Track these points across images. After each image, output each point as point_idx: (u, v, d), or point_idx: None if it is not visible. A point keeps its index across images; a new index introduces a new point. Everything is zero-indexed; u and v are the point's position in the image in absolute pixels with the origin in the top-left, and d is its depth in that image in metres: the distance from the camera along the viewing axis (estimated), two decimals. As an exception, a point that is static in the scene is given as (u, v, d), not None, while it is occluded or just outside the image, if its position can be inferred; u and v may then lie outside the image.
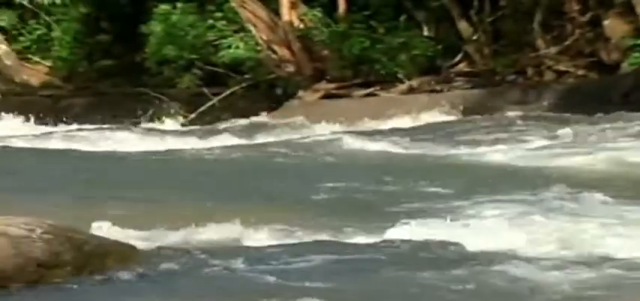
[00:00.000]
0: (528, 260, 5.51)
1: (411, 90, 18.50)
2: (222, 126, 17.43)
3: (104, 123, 17.85)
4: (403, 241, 6.16)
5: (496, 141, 13.38)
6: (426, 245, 5.97)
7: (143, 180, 10.33)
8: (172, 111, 18.91)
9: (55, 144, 14.51)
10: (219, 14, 19.70)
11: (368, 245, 6.13)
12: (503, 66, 18.71)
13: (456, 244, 6.01)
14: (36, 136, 16.08)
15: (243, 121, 17.69)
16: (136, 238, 5.99)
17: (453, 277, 5.12)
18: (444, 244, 6.03)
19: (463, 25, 19.12)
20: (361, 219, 7.30)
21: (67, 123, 18.27)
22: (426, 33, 19.46)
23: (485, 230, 6.66)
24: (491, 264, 5.38)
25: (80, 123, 18.06)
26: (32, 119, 18.36)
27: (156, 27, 19.57)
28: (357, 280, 5.23)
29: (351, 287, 5.01)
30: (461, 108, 17.24)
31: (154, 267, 5.10)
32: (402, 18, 19.27)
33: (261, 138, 14.98)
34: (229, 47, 19.33)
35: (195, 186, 9.90)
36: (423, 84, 18.65)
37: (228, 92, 19.27)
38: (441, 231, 6.51)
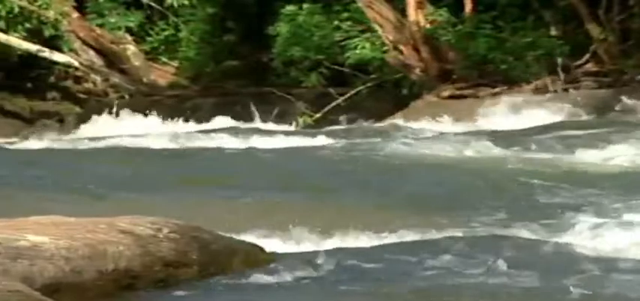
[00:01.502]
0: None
1: (537, 90, 18.21)
2: (347, 125, 17.46)
3: (230, 123, 18.10)
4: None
5: (628, 142, 13.12)
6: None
7: (271, 180, 10.40)
8: (298, 110, 19.03)
9: (184, 142, 14.73)
10: (345, 14, 19.72)
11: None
12: (631, 66, 18.28)
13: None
14: (163, 136, 16.33)
15: (368, 121, 17.69)
16: (264, 238, 6.02)
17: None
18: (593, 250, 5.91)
19: (591, 25, 18.78)
20: (499, 221, 7.20)
21: (194, 123, 18.60)
22: (553, 32, 19.15)
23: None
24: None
25: (207, 122, 18.36)
26: (159, 119, 18.69)
27: (282, 28, 19.70)
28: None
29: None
30: (589, 108, 17.04)
31: (280, 269, 5.07)
32: (530, 18, 19.01)
33: (385, 139, 14.89)
34: (355, 47, 19.34)
35: (322, 185, 9.93)
36: (550, 84, 18.32)
37: (353, 92, 19.33)
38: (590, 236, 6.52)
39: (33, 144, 15.61)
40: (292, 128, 17.77)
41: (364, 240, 6.43)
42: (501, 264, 5.22)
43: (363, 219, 6.97)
